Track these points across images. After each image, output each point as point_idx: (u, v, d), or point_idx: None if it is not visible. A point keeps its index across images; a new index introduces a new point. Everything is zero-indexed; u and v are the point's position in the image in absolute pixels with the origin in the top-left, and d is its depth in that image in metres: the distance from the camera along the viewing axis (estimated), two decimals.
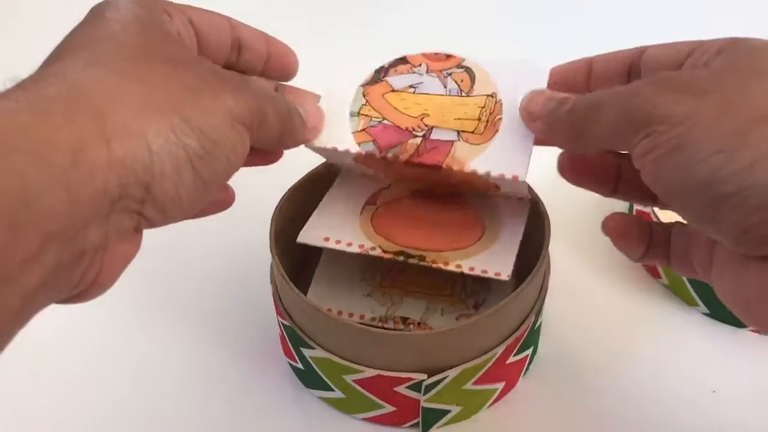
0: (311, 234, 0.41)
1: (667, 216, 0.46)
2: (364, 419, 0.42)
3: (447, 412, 0.41)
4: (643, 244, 0.34)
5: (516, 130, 0.36)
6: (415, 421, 0.41)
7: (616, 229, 0.34)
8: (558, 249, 0.46)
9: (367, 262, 0.45)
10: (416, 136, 0.38)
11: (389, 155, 0.37)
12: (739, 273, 0.28)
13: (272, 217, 0.43)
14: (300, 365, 0.43)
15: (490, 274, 0.38)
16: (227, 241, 0.53)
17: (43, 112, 0.24)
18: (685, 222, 0.31)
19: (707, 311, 0.47)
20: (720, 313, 0.47)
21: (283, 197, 0.44)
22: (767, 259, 0.27)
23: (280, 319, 0.43)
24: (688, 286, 0.47)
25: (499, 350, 0.39)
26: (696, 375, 0.44)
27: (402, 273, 0.42)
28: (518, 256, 0.40)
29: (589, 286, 0.50)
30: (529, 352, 0.43)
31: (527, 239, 0.42)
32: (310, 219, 0.42)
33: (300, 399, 0.44)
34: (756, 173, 0.25)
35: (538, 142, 0.35)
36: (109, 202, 0.25)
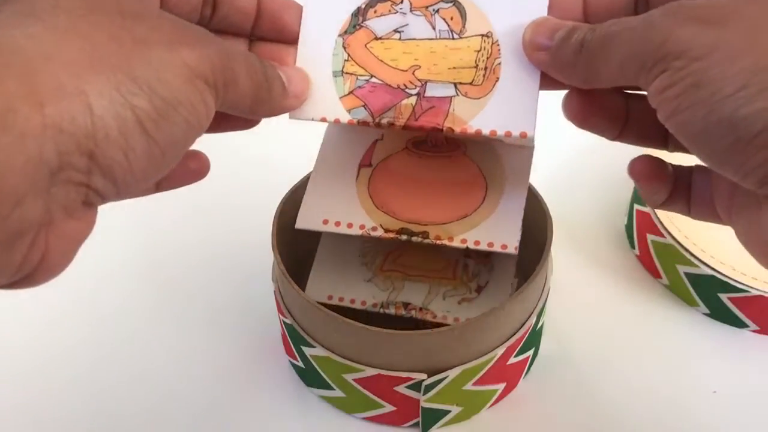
0: (309, 217, 0.39)
1: None
2: (364, 419, 0.42)
3: (447, 412, 0.41)
4: (666, 188, 0.32)
5: (518, 75, 0.33)
6: (415, 421, 0.41)
7: (642, 171, 0.32)
8: (560, 249, 0.46)
9: (367, 240, 0.44)
10: (410, 95, 0.34)
11: (383, 121, 0.34)
12: (759, 216, 0.27)
13: (274, 215, 0.43)
14: (301, 364, 0.43)
15: (497, 248, 0.37)
16: (229, 239, 0.53)
17: None
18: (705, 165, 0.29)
19: (707, 311, 0.47)
20: (720, 313, 0.47)
21: (285, 195, 0.44)
22: None
23: (281, 317, 0.43)
24: (689, 286, 0.47)
25: (500, 351, 0.39)
26: (696, 375, 0.44)
27: (403, 255, 0.40)
28: (520, 256, 0.39)
29: (589, 286, 0.50)
30: (530, 353, 0.43)
31: (529, 240, 0.42)
32: (305, 197, 0.40)
33: (300, 398, 0.44)
34: None
35: (544, 82, 0.33)
36: (47, 173, 0.22)
